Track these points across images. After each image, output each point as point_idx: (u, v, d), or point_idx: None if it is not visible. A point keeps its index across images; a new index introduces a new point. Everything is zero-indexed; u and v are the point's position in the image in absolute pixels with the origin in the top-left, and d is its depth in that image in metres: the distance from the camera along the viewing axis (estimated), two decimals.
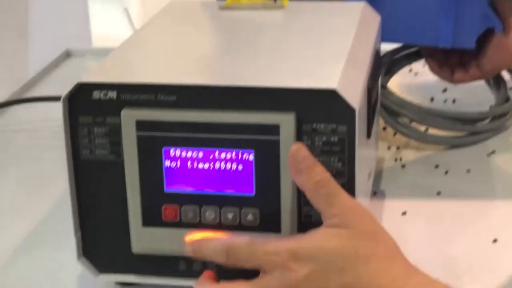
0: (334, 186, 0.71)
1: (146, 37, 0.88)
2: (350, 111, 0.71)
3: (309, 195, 0.71)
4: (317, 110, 0.71)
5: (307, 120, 0.72)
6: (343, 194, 0.71)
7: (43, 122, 1.19)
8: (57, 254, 0.86)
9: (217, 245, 0.72)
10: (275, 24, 0.92)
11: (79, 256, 0.78)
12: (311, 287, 0.68)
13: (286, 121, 0.72)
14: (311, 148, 0.72)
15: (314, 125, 0.72)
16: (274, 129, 0.72)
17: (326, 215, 0.70)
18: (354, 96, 0.72)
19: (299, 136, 0.72)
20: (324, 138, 0.72)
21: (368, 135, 0.82)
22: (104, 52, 1.41)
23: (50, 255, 0.87)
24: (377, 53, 0.91)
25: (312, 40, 0.85)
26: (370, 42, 0.88)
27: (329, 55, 0.80)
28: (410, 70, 1.32)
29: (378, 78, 0.92)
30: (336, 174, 0.72)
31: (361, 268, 0.68)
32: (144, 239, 0.76)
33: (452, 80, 1.11)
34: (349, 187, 0.73)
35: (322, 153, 0.72)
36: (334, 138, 0.72)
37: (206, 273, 0.75)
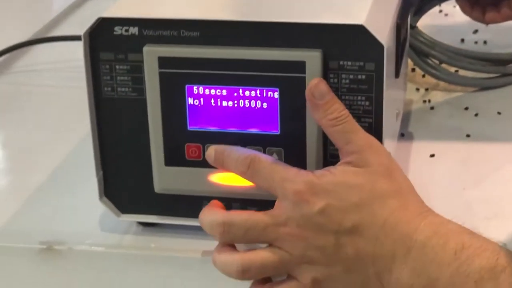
0: (352, 124, 0.69)
1: None
2: (379, 47, 0.68)
3: (327, 131, 0.70)
4: (344, 47, 0.69)
5: (333, 57, 0.70)
6: (361, 132, 0.69)
7: (65, 62, 1.18)
8: (79, 194, 0.85)
9: (241, 155, 0.70)
10: None
11: (100, 196, 0.77)
12: (325, 222, 0.66)
13: (312, 58, 0.69)
14: (338, 86, 0.70)
15: (341, 62, 0.70)
16: (299, 66, 0.70)
17: (344, 152, 0.69)
18: (383, 32, 0.70)
19: (325, 74, 0.70)
20: (351, 76, 0.70)
21: (397, 74, 0.79)
22: None
23: (72, 195, 0.86)
24: None
25: None
26: None
27: None
28: (440, 11, 1.29)
29: (408, 16, 0.89)
30: (363, 113, 0.71)
31: (376, 206, 0.67)
32: (166, 178, 0.75)
33: (483, 20, 1.08)
34: (376, 127, 0.71)
35: (348, 91, 0.70)
36: (362, 76, 0.70)
37: (213, 201, 0.74)
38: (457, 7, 1.16)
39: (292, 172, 0.68)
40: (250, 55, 0.70)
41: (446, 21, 1.28)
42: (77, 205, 0.83)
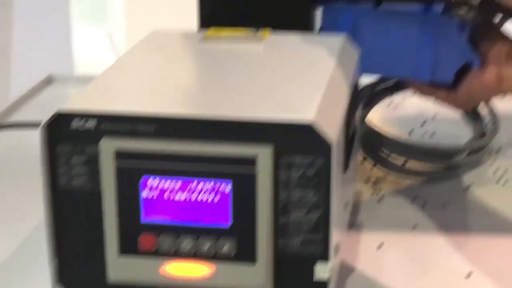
0: None
1: (127, 66, 0.88)
2: (327, 145, 0.71)
3: None
4: (294, 143, 0.72)
5: (284, 152, 0.73)
6: None
7: (22, 149, 1.19)
8: (33, 281, 0.86)
9: None
10: (255, 56, 0.93)
11: (55, 284, 0.79)
12: None
13: (263, 154, 0.72)
14: (288, 181, 0.73)
15: (291, 158, 0.73)
16: (251, 161, 0.73)
17: None
18: (331, 130, 0.73)
19: (276, 169, 0.73)
20: (301, 171, 0.73)
21: (346, 168, 0.82)
22: (86, 79, 1.42)
23: (26, 282, 0.86)
24: (355, 86, 0.92)
25: (291, 72, 0.86)
26: (349, 75, 0.89)
27: (307, 88, 0.80)
28: (390, 103, 1.33)
29: (357, 111, 0.93)
30: (312, 207, 0.73)
31: None
32: (120, 268, 0.77)
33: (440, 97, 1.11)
34: (324, 220, 0.73)
35: (298, 186, 0.73)
36: (311, 172, 0.73)
37: None
38: (407, 100, 1.21)
39: None
40: (203, 150, 0.73)
41: (395, 113, 1.32)
42: None
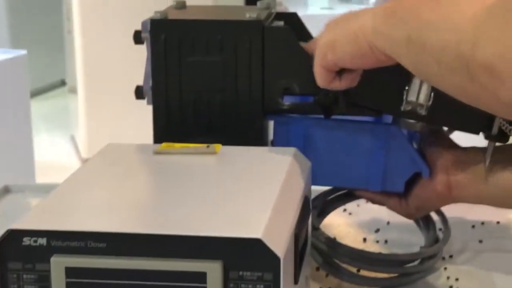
0: None
1: (80, 182, 0.90)
2: (275, 259, 0.73)
3: None
4: (243, 258, 0.73)
5: (233, 267, 0.74)
6: None
7: None
8: None
9: None
10: (207, 170, 0.94)
11: None
12: None
13: (212, 269, 0.73)
14: None
15: (241, 273, 0.74)
16: (201, 277, 0.74)
17: None
18: (279, 244, 0.74)
19: (225, 284, 0.74)
20: (250, 286, 0.74)
21: (296, 281, 0.83)
22: (43, 188, 1.43)
23: None
24: (306, 198, 0.94)
25: (242, 187, 0.88)
26: (299, 188, 0.91)
27: (257, 202, 0.82)
28: (344, 210, 1.35)
29: (307, 223, 0.94)
30: None
31: None
32: None
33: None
34: None
35: None
36: (260, 286, 0.74)
37: None
38: (361, 206, 1.23)
39: None
40: (154, 266, 0.74)
41: (349, 219, 1.34)
42: None
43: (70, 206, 0.82)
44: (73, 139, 4.05)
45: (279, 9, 1.30)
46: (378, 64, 0.89)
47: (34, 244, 0.75)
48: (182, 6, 1.16)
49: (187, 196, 0.85)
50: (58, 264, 0.75)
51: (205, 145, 0.98)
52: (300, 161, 0.98)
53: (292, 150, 0.99)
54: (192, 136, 1.07)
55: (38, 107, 4.78)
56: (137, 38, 1.08)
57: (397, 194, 1.12)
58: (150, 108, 1.09)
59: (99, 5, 3.57)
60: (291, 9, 3.19)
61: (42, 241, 0.75)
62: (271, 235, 0.74)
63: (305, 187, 0.94)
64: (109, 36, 3.53)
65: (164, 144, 1.00)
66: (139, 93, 1.10)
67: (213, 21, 1.07)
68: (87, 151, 3.75)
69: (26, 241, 0.75)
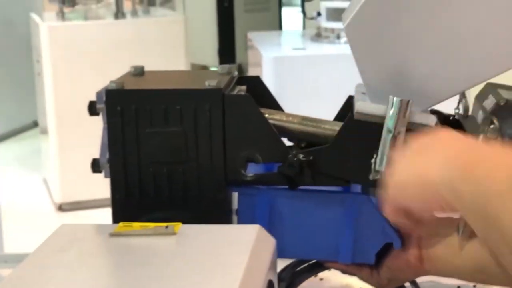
0: None
1: (34, 267, 0.85)
2: None
3: None
4: None
5: None
6: None
7: None
8: None
9: None
10: (166, 251, 0.90)
11: None
12: None
13: None
14: None
15: None
16: None
17: None
18: None
19: None
20: None
21: None
22: (11, 258, 1.37)
23: None
24: (270, 282, 0.89)
25: (203, 272, 0.83)
26: (264, 267, 0.87)
27: (220, 285, 0.77)
28: (316, 275, 1.30)
29: None
30: None
31: None
32: None
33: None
34: None
35: None
36: None
37: None
38: (332, 271, 1.18)
39: None
40: None
41: (321, 285, 1.29)
42: None
43: None
44: (45, 181, 3.98)
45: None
46: (445, 211, 0.84)
47: None
48: (140, 72, 1.11)
49: (146, 281, 0.80)
50: None
51: (164, 225, 0.93)
52: (264, 239, 0.94)
53: (255, 228, 0.94)
54: (152, 210, 1.02)
55: (11, 149, 4.72)
56: (92, 109, 1.03)
57: (369, 265, 1.07)
58: None
59: (67, 47, 3.52)
60: (265, 50, 3.16)
61: None
62: None
63: (270, 265, 0.89)
64: (79, 77, 3.48)
65: (121, 224, 0.95)
66: (95, 166, 1.05)
67: (172, 90, 1.02)
68: (60, 193, 3.68)
69: None
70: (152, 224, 0.94)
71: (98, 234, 0.94)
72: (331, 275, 1.28)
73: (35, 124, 4.66)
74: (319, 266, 1.13)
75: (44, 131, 3.86)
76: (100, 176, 1.05)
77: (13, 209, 3.34)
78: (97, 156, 1.05)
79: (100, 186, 1.00)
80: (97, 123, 1.06)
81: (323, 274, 1.29)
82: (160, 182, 1.02)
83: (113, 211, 1.04)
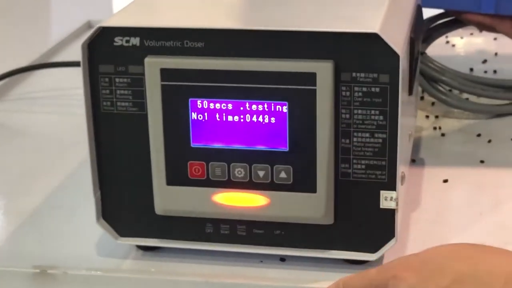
0: None
1: None
2: (394, 57, 0.65)
3: None
4: (357, 57, 0.66)
5: (346, 68, 0.66)
6: None
7: (63, 90, 1.15)
8: (76, 217, 0.81)
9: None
10: None
11: (98, 218, 0.73)
12: None
13: (323, 69, 0.66)
14: (350, 99, 0.67)
15: (354, 74, 0.66)
16: (310, 78, 0.66)
17: None
18: (398, 42, 0.67)
19: (337, 86, 0.66)
20: (364, 88, 0.66)
21: (410, 91, 0.76)
22: None
23: (69, 218, 0.81)
24: (418, 6, 0.85)
25: None
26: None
27: (370, 2, 0.74)
28: (447, 42, 1.26)
29: (420, 32, 0.85)
30: (377, 128, 0.67)
31: None
32: (168, 199, 0.71)
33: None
34: (391, 143, 0.67)
35: (361, 104, 0.67)
36: (376, 89, 0.66)
37: None
38: (464, 38, 1.14)
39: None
40: (257, 67, 0.67)
41: (453, 51, 1.25)
42: (74, 229, 0.79)
43: (164, 4, 0.75)
44: None
45: None
46: None
47: (127, 44, 0.69)
48: None
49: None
50: (153, 66, 0.68)
51: None
52: None
53: None
54: None
55: None
56: None
57: (510, 18, 1.02)
58: None
59: None
60: None
61: (135, 40, 0.68)
62: (388, 31, 0.66)
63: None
64: None
65: None
66: None
67: None
68: None
69: (118, 40, 0.69)
70: None
71: None
72: (464, 43, 1.23)
73: None
74: (456, 22, 1.08)
75: None
76: None
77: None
78: None
79: None
80: None
81: (456, 41, 1.25)
82: None
83: None
